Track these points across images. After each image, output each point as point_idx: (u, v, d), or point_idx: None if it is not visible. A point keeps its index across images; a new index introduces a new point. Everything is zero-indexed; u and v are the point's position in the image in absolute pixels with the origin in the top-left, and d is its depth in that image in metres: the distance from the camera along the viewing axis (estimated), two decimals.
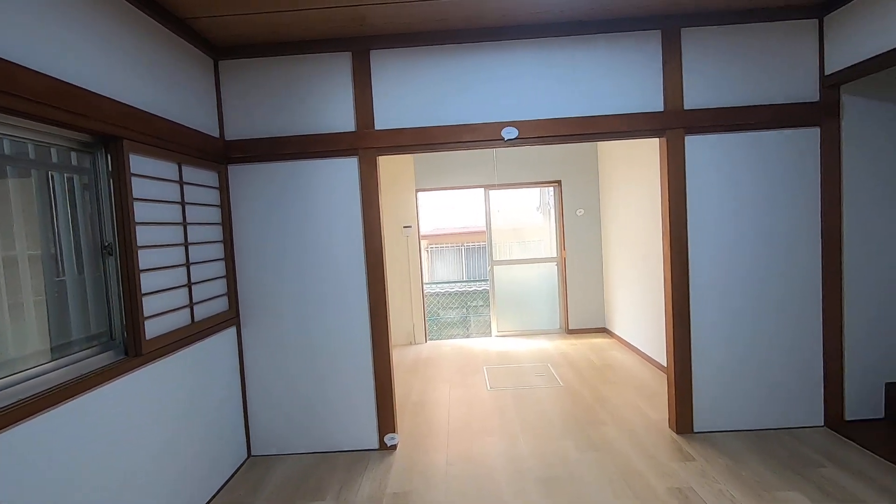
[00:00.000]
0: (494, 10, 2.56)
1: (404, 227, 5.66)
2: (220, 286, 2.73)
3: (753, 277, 2.86)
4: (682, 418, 2.91)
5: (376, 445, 2.94)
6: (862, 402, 2.88)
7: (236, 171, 2.87)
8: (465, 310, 8.34)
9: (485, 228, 5.99)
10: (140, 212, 2.05)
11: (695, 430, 2.92)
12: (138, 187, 2.05)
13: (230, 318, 2.79)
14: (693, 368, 2.88)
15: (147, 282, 2.08)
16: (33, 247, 1.71)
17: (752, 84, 2.79)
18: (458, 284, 9.04)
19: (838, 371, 2.85)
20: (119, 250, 1.97)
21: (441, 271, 11.77)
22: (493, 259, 5.97)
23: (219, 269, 2.73)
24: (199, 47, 2.63)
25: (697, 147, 2.82)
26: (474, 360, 4.87)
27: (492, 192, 5.92)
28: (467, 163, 5.74)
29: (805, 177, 2.82)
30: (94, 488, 1.73)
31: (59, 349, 1.76)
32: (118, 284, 1.98)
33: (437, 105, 2.84)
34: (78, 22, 1.79)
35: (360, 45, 2.81)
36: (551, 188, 6.01)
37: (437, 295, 8.49)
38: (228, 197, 2.86)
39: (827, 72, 2.75)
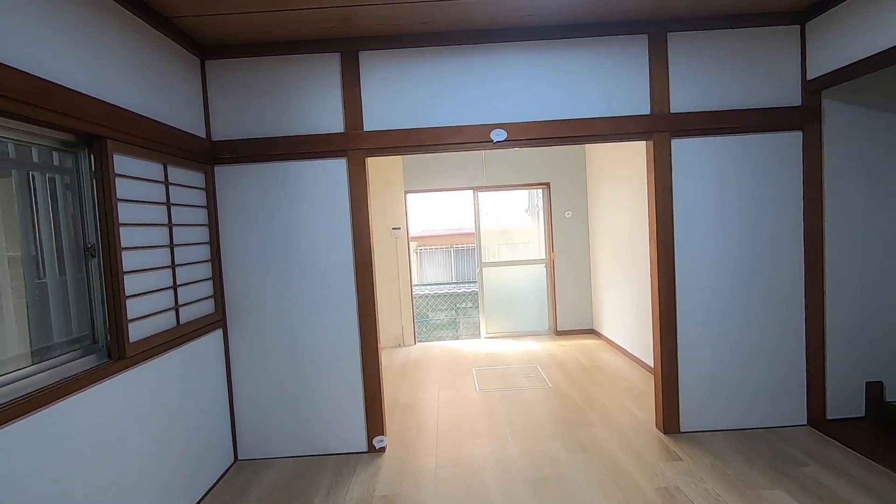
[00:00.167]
0: (483, 12, 2.57)
1: (393, 228, 5.65)
2: (206, 288, 2.69)
3: (739, 279, 2.90)
4: (669, 419, 2.94)
5: (365, 448, 2.93)
6: (843, 402, 2.94)
7: (223, 172, 2.84)
8: (454, 312, 8.34)
9: (474, 230, 6.01)
10: (124, 213, 2.02)
11: (681, 430, 2.95)
12: (122, 188, 2.02)
13: (216, 320, 2.76)
14: (679, 369, 2.92)
15: (131, 284, 2.04)
16: (13, 248, 1.67)
17: (737, 88, 2.84)
18: (447, 286, 9.04)
19: (820, 371, 2.91)
20: (102, 252, 1.94)
21: (430, 273, 11.77)
22: (482, 261, 5.99)
23: (205, 270, 2.69)
24: (186, 47, 2.60)
25: (683, 150, 2.85)
26: (463, 362, 4.87)
27: (481, 194, 5.94)
28: (456, 164, 5.74)
29: (788, 179, 2.87)
30: (77, 495, 1.70)
31: (39, 353, 1.72)
32: (101, 286, 1.95)
33: (426, 106, 2.84)
34: (59, 19, 1.76)
35: (348, 46, 2.80)
36: (540, 190, 6.05)
37: (426, 297, 8.48)
38: (215, 198, 2.83)
39: (809, 77, 2.80)
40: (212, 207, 2.78)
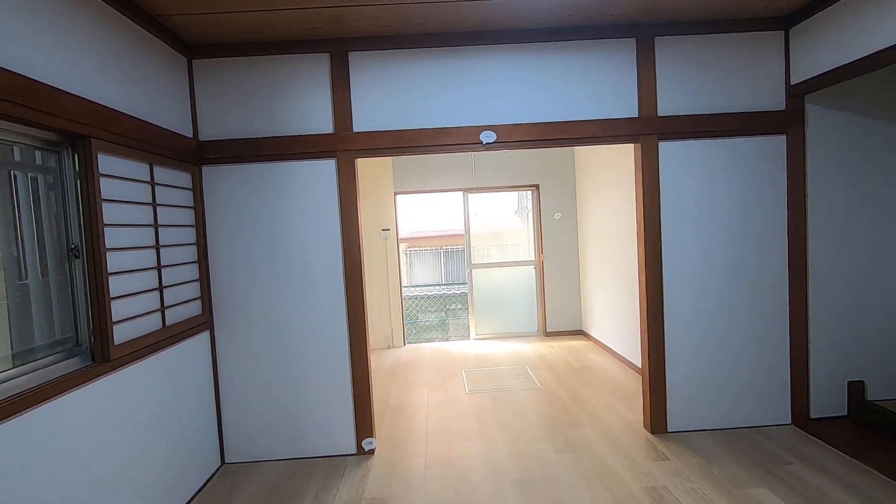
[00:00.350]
0: (473, 14, 2.58)
1: (383, 230, 5.63)
2: (192, 290, 2.66)
3: (725, 280, 2.94)
4: (657, 419, 2.96)
5: (354, 450, 2.91)
6: (826, 401, 2.99)
7: (210, 173, 2.81)
8: (443, 313, 8.34)
9: (463, 232, 6.01)
10: (109, 213, 1.99)
11: (669, 430, 2.97)
12: (107, 188, 1.99)
13: (203, 322, 2.73)
14: (667, 370, 2.95)
15: (116, 285, 2.01)
16: None
17: (723, 92, 2.88)
18: (437, 288, 9.04)
19: (804, 371, 2.95)
20: (86, 253, 1.90)
21: (420, 274, 11.75)
22: (472, 262, 5.99)
23: (192, 272, 2.66)
24: (173, 46, 2.57)
25: (671, 152, 2.89)
26: (453, 364, 4.87)
27: (470, 196, 5.95)
28: (446, 166, 5.75)
29: (773, 182, 2.91)
30: (59, 500, 1.66)
31: (21, 355, 1.69)
32: (85, 288, 1.92)
33: (416, 108, 2.84)
34: (43, 17, 1.73)
35: (338, 47, 2.79)
36: (529, 192, 6.07)
37: (416, 298, 8.47)
38: (202, 198, 2.80)
39: (792, 82, 2.85)
40: (199, 208, 2.75)
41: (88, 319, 1.92)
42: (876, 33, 2.28)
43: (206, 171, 2.81)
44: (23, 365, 1.65)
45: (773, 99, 2.88)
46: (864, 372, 2.99)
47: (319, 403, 2.89)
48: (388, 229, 5.65)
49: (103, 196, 1.96)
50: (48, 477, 1.63)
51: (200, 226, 2.76)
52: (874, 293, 2.97)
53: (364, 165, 5.30)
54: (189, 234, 2.66)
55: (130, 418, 2.08)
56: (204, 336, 2.76)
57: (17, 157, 1.74)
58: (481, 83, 2.85)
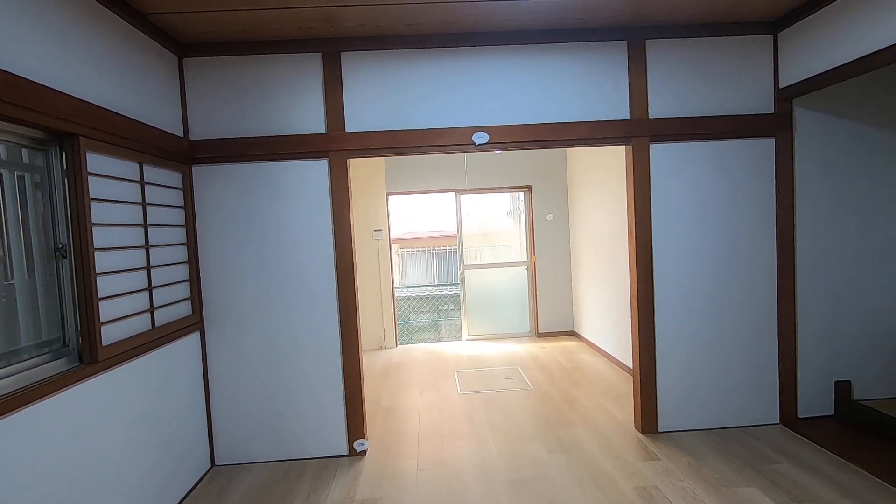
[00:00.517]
0: (465, 16, 2.58)
1: (375, 230, 5.62)
2: (182, 290, 2.64)
3: (714, 281, 2.97)
4: (648, 419, 2.98)
5: (346, 452, 2.90)
6: (813, 401, 3.03)
7: (201, 172, 2.79)
8: (436, 314, 8.34)
9: (456, 233, 6.01)
10: (97, 212, 1.97)
11: (659, 430, 3.00)
12: (96, 187, 1.97)
13: (193, 323, 2.70)
14: (657, 371, 2.97)
15: (104, 285, 1.99)
16: None
17: (713, 95, 2.91)
18: (429, 288, 9.04)
19: (792, 371, 2.99)
20: (74, 252, 1.88)
21: (412, 275, 11.74)
22: (464, 263, 6.00)
23: (182, 272, 2.64)
24: (164, 44, 2.55)
25: (662, 154, 2.91)
26: (445, 365, 4.87)
27: (463, 197, 5.95)
28: (439, 167, 5.75)
29: (762, 185, 2.95)
30: (47, 503, 1.64)
31: (6, 356, 1.66)
32: (72, 288, 1.89)
33: (408, 108, 2.84)
34: (30, 14, 1.71)
35: (331, 47, 2.78)
36: (521, 193, 6.09)
37: (408, 299, 8.46)
38: (193, 198, 2.77)
39: (781, 85, 2.89)
40: (189, 208, 2.73)
41: (76, 320, 1.90)
42: (862, 38, 2.32)
43: (197, 170, 2.79)
44: (8, 366, 1.63)
45: (761, 102, 2.92)
46: (850, 372, 3.03)
47: (311, 405, 2.88)
48: (381, 230, 5.64)
49: (92, 195, 1.94)
50: (35, 479, 1.60)
51: (191, 226, 2.74)
52: (860, 294, 3.01)
53: (356, 165, 5.30)
54: (179, 234, 2.64)
55: (119, 420, 2.05)
56: (194, 337, 2.74)
57: (3, 155, 1.71)
58: (474, 84, 2.86)
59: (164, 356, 2.43)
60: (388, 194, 5.71)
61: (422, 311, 8.38)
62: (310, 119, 2.81)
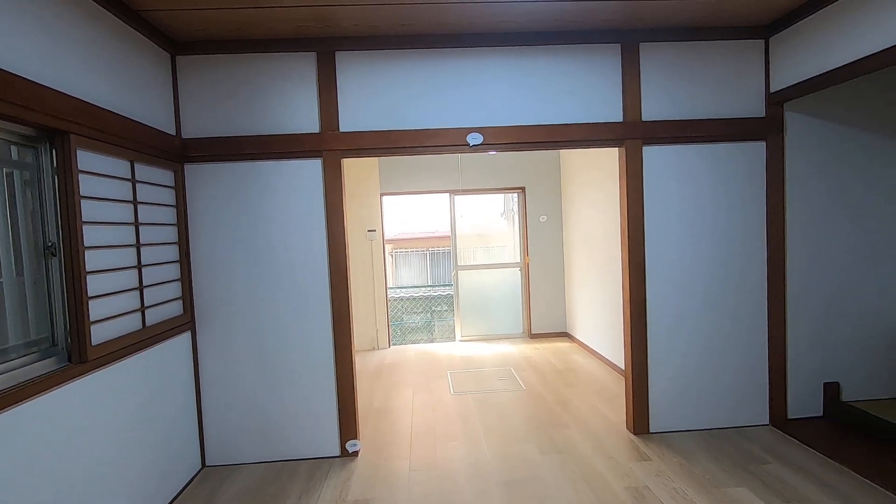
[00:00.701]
0: (460, 17, 2.58)
1: (368, 230, 5.61)
2: (174, 289, 2.62)
3: (706, 283, 2.99)
4: (640, 420, 3.00)
5: (338, 453, 2.89)
6: (803, 402, 3.05)
7: (194, 171, 2.77)
8: (429, 314, 8.33)
9: (449, 233, 6.02)
10: (87, 210, 1.95)
11: (651, 431, 3.01)
12: (86, 185, 1.95)
13: (185, 322, 2.68)
14: (649, 372, 2.98)
15: (94, 284, 1.97)
16: None
17: (705, 99, 2.93)
18: (423, 289, 9.03)
19: (781, 373, 3.02)
20: (63, 251, 1.86)
21: (405, 276, 11.72)
22: (458, 264, 6.00)
23: (173, 271, 2.62)
24: (156, 41, 2.53)
25: (654, 157, 2.93)
26: (438, 365, 4.86)
27: (457, 198, 5.96)
28: (433, 168, 5.75)
29: (753, 188, 2.97)
30: None
31: None
32: (62, 287, 1.87)
33: (403, 109, 2.84)
34: (19, 8, 1.69)
35: (325, 46, 2.77)
36: (515, 194, 6.11)
37: (402, 300, 8.44)
38: (185, 197, 2.75)
39: (772, 90, 2.92)
40: (181, 207, 2.71)
41: (65, 319, 1.88)
42: (852, 44, 2.35)
43: (189, 169, 2.77)
44: None
45: (753, 106, 2.95)
46: (839, 373, 3.06)
47: (303, 405, 2.86)
48: (374, 230, 5.62)
49: (82, 193, 1.92)
50: (23, 481, 1.58)
51: (182, 225, 2.71)
52: (850, 296, 3.05)
53: (350, 165, 5.28)
54: (171, 233, 2.61)
55: (108, 420, 2.03)
56: (185, 337, 2.72)
57: None
58: (469, 85, 2.86)
59: (155, 356, 2.41)
60: (381, 194, 5.70)
61: (415, 312, 8.37)
62: (304, 118, 2.80)
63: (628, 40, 2.87)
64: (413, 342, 6.36)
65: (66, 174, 1.85)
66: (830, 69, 2.48)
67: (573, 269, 5.54)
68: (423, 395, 3.98)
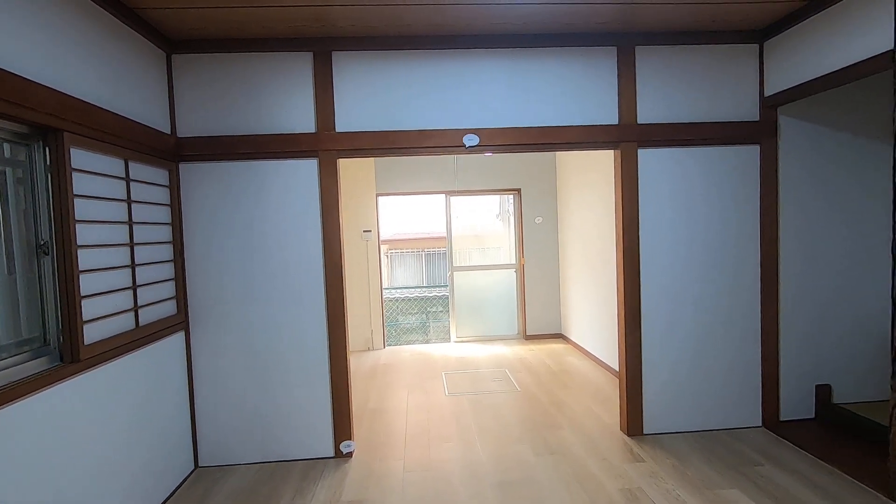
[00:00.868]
0: (457, 18, 2.59)
1: (364, 231, 5.60)
2: (168, 289, 2.60)
3: (701, 286, 3.00)
4: (633, 421, 3.01)
5: (332, 454, 2.88)
6: (795, 404, 3.08)
7: (188, 170, 2.76)
8: (424, 315, 8.33)
9: (445, 234, 6.02)
10: (81, 209, 1.93)
11: (644, 433, 3.02)
12: (79, 183, 1.93)
13: (178, 322, 2.67)
14: (644, 374, 2.99)
15: (87, 284, 1.95)
16: None
17: (700, 102, 2.95)
18: (418, 290, 9.03)
19: (774, 375, 3.04)
20: (56, 249, 1.85)
21: (401, 277, 11.71)
22: (453, 265, 6.00)
23: (167, 271, 2.60)
24: (152, 40, 2.52)
25: (649, 160, 2.94)
26: (433, 366, 4.86)
27: (453, 199, 5.96)
28: (428, 168, 5.75)
29: (747, 191, 2.99)
30: None
31: None
32: (54, 286, 1.86)
33: (399, 109, 2.84)
34: (13, 5, 1.68)
35: (322, 46, 2.77)
36: (511, 196, 6.12)
37: (397, 300, 8.44)
38: (179, 196, 2.74)
39: (766, 94, 2.94)
40: (176, 206, 2.69)
41: (57, 318, 1.86)
42: (845, 49, 2.37)
43: (184, 168, 2.75)
44: None
45: (747, 109, 2.97)
46: (830, 376, 3.08)
47: (297, 406, 2.85)
48: (370, 231, 5.62)
49: (75, 191, 1.90)
50: (15, 481, 1.57)
51: (177, 224, 2.70)
52: (842, 300, 3.07)
53: (346, 166, 5.27)
54: (165, 232, 2.60)
55: (101, 420, 2.01)
56: (179, 336, 2.70)
57: None
58: (465, 86, 2.87)
59: (148, 356, 2.39)
60: (377, 195, 5.70)
61: (410, 313, 8.36)
62: (300, 118, 2.79)
63: (624, 43, 2.89)
64: (408, 343, 6.36)
65: (60, 172, 1.84)
66: (824, 74, 2.50)
67: (568, 271, 5.55)
68: (418, 395, 3.98)
